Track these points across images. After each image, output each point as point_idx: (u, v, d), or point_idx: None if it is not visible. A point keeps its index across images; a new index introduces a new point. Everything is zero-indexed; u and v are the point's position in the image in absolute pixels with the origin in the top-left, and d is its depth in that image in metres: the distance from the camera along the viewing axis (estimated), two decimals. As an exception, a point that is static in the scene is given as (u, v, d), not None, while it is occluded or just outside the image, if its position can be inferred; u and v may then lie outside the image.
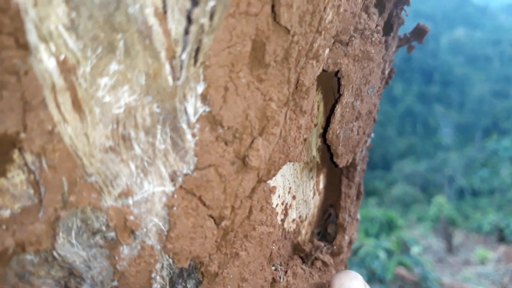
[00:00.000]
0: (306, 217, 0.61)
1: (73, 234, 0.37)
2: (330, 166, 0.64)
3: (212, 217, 0.42)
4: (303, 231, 0.62)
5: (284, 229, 0.57)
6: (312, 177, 0.60)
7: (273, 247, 0.50)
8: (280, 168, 0.47)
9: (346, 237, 0.64)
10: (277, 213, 0.55)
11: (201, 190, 0.40)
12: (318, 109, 0.56)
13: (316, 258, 0.61)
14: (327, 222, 0.64)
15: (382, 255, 4.95)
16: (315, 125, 0.57)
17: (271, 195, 0.47)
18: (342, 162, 0.56)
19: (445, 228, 8.65)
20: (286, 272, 0.55)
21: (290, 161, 0.47)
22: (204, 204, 0.40)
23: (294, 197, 0.57)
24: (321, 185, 0.63)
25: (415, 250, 5.15)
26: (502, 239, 8.93)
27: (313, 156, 0.59)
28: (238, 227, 0.44)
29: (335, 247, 0.63)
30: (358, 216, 0.75)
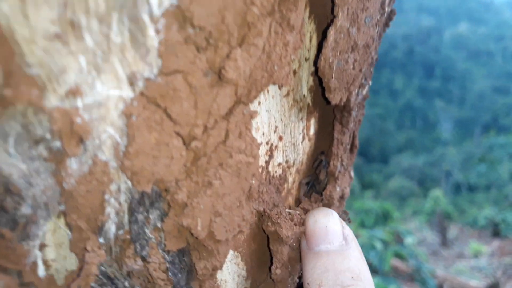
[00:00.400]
0: (293, 163, 0.56)
1: (10, 141, 0.31)
2: (323, 111, 0.58)
3: (180, 135, 0.36)
4: (290, 178, 0.56)
5: (268, 172, 0.52)
6: (301, 119, 0.54)
7: (253, 182, 0.44)
8: (262, 89, 0.41)
9: (338, 188, 0.58)
10: (260, 150, 0.49)
11: (167, 100, 0.34)
12: (310, 41, 0.50)
13: (302, 208, 0.55)
14: (318, 170, 0.58)
15: (378, 245, 4.96)
16: (306, 60, 0.51)
17: (252, 120, 0.42)
18: (335, 98, 0.50)
19: (440, 221, 8.63)
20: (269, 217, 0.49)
21: (274, 82, 0.42)
22: (170, 118, 0.34)
23: (280, 138, 0.52)
24: (312, 131, 0.57)
25: (409, 241, 5.13)
26: (496, 233, 8.93)
27: (304, 95, 0.53)
28: (212, 152, 0.38)
29: (324, 198, 0.57)
30: (352, 173, 0.69)
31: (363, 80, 0.57)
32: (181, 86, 0.34)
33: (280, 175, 0.54)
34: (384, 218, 9.14)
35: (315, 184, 0.58)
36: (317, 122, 0.57)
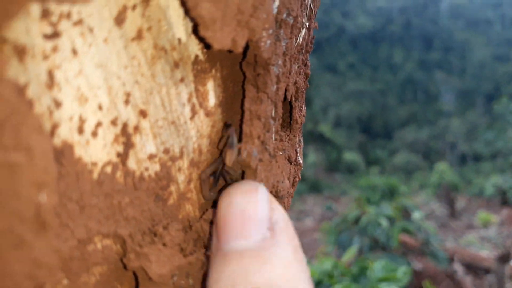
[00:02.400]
0: (181, 153, 0.35)
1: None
2: (231, 69, 0.37)
3: None
4: (180, 177, 0.35)
5: (128, 172, 0.31)
6: (182, 81, 0.33)
7: (44, 198, 0.24)
8: None
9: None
10: (101, 135, 0.29)
11: None
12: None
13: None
14: (224, 153, 0.37)
15: (384, 222, 4.86)
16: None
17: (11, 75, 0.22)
18: (218, 38, 0.29)
19: (447, 193, 8.46)
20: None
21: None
22: None
23: (143, 113, 0.31)
24: (212, 100, 0.36)
25: (416, 215, 4.96)
26: (505, 202, 8.76)
27: (179, 40, 0.32)
28: None
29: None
30: (300, 158, 0.49)
31: (284, 15, 0.36)
32: None
33: (157, 174, 0.33)
34: (390, 193, 9.08)
35: (224, 174, 0.38)
36: (220, 86, 0.36)
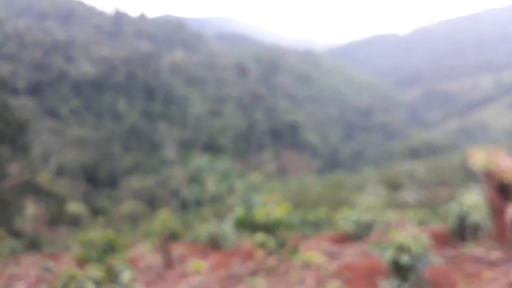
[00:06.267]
0: None
1: None
2: None
3: None
4: None
5: None
6: None
7: None
8: None
9: None
10: None
11: None
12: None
13: None
14: None
15: (90, 286, 4.52)
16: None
17: None
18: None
19: (163, 244, 8.60)
20: None
21: None
22: None
23: None
24: None
25: (125, 276, 4.77)
26: (216, 246, 9.46)
27: None
28: None
29: None
30: None
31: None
32: None
33: None
34: (111, 248, 8.65)
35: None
36: None
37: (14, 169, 22.71)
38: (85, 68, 67.67)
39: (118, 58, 74.93)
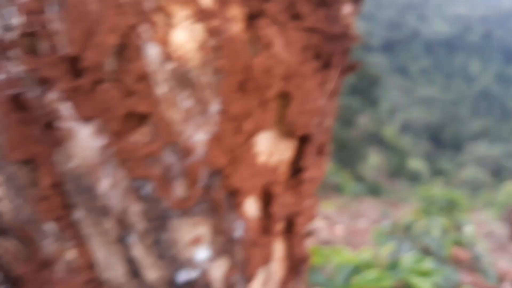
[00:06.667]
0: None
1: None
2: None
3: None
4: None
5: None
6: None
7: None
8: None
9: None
10: None
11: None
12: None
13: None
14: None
15: (436, 231, 4.93)
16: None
17: None
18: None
19: (510, 215, 8.26)
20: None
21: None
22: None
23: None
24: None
25: (467, 229, 5.02)
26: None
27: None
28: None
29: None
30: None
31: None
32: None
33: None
34: (452, 206, 8.93)
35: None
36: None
37: (363, 120, 24.69)
38: (438, 27, 65.85)
39: (475, 16, 69.55)
